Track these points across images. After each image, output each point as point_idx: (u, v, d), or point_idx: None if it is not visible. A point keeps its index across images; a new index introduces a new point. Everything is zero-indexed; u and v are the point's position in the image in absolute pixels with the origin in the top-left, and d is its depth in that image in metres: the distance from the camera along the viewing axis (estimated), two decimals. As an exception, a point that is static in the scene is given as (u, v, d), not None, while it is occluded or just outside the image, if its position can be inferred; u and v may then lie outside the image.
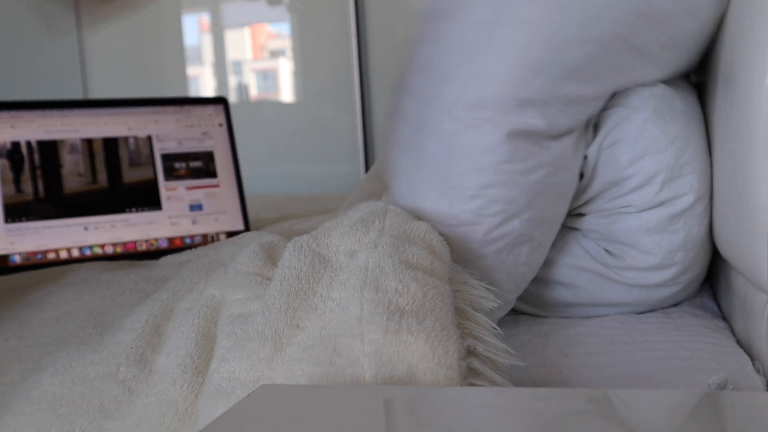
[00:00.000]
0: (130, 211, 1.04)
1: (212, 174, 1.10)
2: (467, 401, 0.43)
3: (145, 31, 2.50)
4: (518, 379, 0.68)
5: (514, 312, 0.83)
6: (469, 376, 0.51)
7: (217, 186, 1.10)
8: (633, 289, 0.76)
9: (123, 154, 1.06)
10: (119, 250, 1.02)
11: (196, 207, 1.07)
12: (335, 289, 0.56)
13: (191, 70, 2.52)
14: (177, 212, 1.06)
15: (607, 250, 0.77)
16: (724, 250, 0.70)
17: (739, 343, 0.71)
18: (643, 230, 0.73)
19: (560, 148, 0.68)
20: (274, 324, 0.53)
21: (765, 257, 0.61)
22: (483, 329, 0.56)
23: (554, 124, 0.67)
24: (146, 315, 0.66)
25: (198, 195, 1.08)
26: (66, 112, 1.04)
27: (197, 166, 1.09)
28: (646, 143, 0.71)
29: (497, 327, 0.58)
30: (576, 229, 0.79)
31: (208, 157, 1.10)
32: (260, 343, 0.52)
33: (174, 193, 1.07)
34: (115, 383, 0.59)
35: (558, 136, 0.68)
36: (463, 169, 0.66)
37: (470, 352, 0.53)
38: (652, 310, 0.79)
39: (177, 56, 2.51)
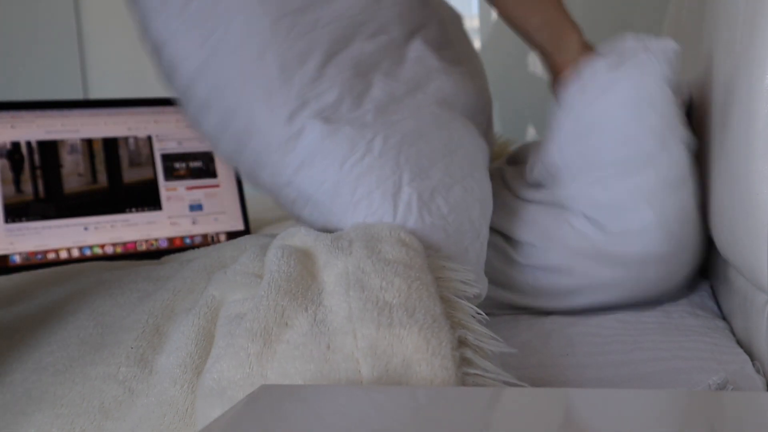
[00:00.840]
0: (130, 211, 1.04)
1: (212, 174, 1.10)
2: (466, 401, 0.43)
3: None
4: (518, 380, 0.68)
5: (515, 311, 0.83)
6: (462, 365, 0.51)
7: (217, 186, 1.10)
8: (629, 266, 0.76)
9: (123, 154, 1.06)
10: (119, 250, 1.02)
11: (196, 207, 1.07)
12: (323, 295, 0.56)
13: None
14: (177, 212, 1.06)
15: (597, 221, 0.77)
16: (724, 249, 0.70)
17: (739, 343, 0.71)
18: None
19: None
20: (263, 321, 0.54)
21: (765, 257, 0.61)
22: (469, 317, 0.56)
23: None
24: (146, 315, 0.66)
25: (198, 195, 1.08)
26: (66, 112, 1.04)
27: (197, 166, 1.09)
28: None
29: (481, 312, 0.58)
30: (564, 208, 0.79)
31: (207, 158, 1.10)
32: (249, 340, 0.53)
33: (174, 193, 1.07)
34: (115, 383, 0.59)
35: None
36: None
37: (461, 342, 0.53)
38: (654, 305, 0.79)
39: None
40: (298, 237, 0.64)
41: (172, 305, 0.68)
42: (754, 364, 0.66)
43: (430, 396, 0.45)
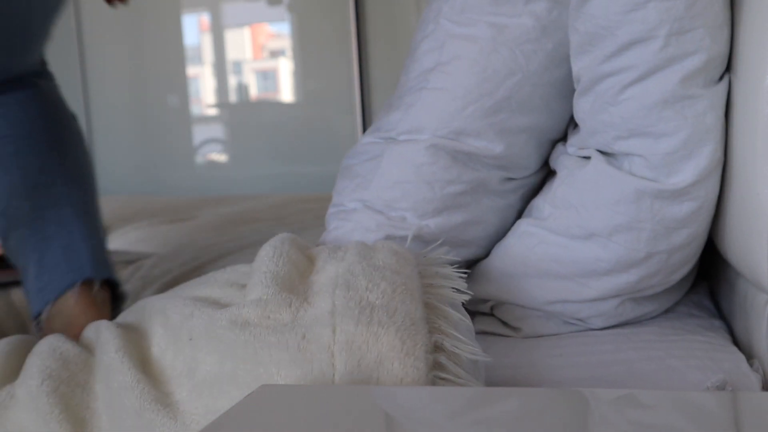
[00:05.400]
0: None
1: None
2: (466, 402, 0.44)
3: (145, 32, 2.51)
4: (512, 379, 0.67)
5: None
6: (435, 368, 0.53)
7: None
8: (644, 197, 0.67)
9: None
10: None
11: None
12: (309, 293, 0.59)
13: (191, 70, 2.52)
14: None
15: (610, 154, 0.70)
16: (725, 250, 0.70)
17: (736, 342, 0.71)
18: (660, 101, 0.65)
19: None
20: (246, 315, 0.56)
21: (765, 257, 0.60)
22: (449, 324, 0.57)
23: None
24: None
25: None
26: None
27: None
28: None
29: (466, 318, 0.59)
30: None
31: None
32: (229, 330, 0.55)
33: None
34: None
35: None
36: None
37: (437, 347, 0.55)
38: (651, 299, 0.75)
39: (177, 56, 2.51)
40: (297, 242, 0.66)
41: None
42: (752, 362, 0.66)
43: (431, 396, 0.46)
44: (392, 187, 0.72)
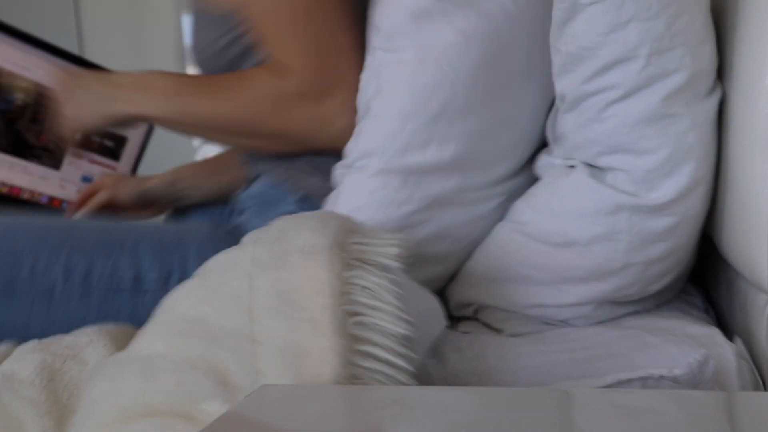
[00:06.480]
0: (31, 161, 1.05)
1: (116, 157, 1.12)
2: (465, 401, 0.44)
3: (145, 32, 2.50)
4: (494, 369, 0.68)
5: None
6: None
7: (113, 168, 1.12)
8: (622, 210, 0.68)
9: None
10: (4, 190, 1.04)
11: (87, 179, 1.10)
12: None
13: (191, 71, 2.52)
14: (70, 178, 1.09)
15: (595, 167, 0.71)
16: (725, 249, 0.71)
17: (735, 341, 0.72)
18: (643, 119, 0.66)
19: None
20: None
21: (765, 257, 0.62)
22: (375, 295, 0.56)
23: None
24: None
25: (95, 170, 1.11)
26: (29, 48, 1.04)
27: (109, 146, 1.11)
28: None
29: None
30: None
31: (121, 141, 1.12)
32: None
33: (78, 160, 1.09)
34: None
35: None
36: None
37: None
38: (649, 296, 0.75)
39: (177, 56, 2.51)
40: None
41: None
42: (734, 339, 0.68)
43: (431, 395, 0.46)
44: (351, 212, 0.72)
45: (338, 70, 0.79)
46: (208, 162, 1.14)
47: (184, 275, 0.74)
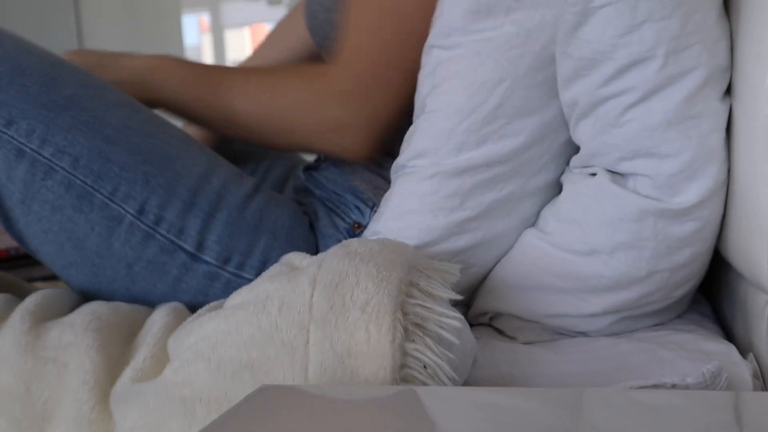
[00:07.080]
0: None
1: None
2: (466, 400, 0.44)
3: (145, 32, 2.51)
4: (508, 374, 0.68)
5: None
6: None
7: None
8: (647, 216, 0.67)
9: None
10: None
11: None
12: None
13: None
14: None
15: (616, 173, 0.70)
16: (725, 250, 0.70)
17: (736, 344, 0.71)
18: (664, 122, 0.65)
19: None
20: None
21: (765, 257, 0.61)
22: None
23: None
24: None
25: None
26: None
27: None
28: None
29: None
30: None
31: None
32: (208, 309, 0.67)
33: None
34: None
35: None
36: None
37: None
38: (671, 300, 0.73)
39: (177, 56, 2.51)
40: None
41: None
42: (746, 356, 0.66)
43: (432, 395, 0.46)
44: (399, 217, 0.74)
45: (380, 84, 0.80)
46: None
47: (244, 264, 0.76)
